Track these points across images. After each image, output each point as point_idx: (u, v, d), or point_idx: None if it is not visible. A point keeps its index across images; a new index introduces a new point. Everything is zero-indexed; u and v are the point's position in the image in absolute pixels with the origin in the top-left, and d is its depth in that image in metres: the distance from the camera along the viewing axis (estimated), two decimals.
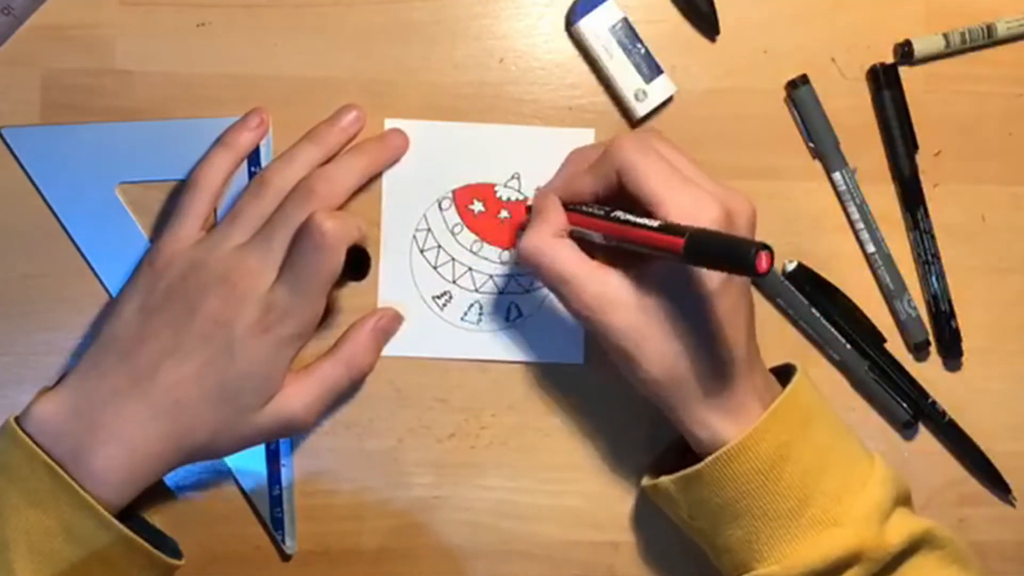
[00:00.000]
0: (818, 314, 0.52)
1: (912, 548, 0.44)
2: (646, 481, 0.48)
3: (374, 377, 0.51)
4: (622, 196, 0.45)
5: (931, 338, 0.53)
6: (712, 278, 0.43)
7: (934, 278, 0.52)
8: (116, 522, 0.43)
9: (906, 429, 0.53)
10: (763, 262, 0.36)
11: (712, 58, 0.52)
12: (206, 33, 0.50)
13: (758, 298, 0.52)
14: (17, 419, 0.44)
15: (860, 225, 0.52)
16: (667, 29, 0.51)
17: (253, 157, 0.50)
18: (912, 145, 0.52)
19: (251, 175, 0.50)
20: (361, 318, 0.50)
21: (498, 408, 0.52)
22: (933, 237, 0.52)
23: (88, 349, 0.46)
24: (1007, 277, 0.54)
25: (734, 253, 0.37)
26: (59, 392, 0.45)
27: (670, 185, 0.43)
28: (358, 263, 0.47)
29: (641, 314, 0.44)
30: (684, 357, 0.44)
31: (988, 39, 0.52)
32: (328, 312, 0.48)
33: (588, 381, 0.52)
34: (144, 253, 0.49)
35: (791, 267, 0.52)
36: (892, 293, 0.52)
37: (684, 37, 0.52)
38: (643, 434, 0.52)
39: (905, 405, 0.52)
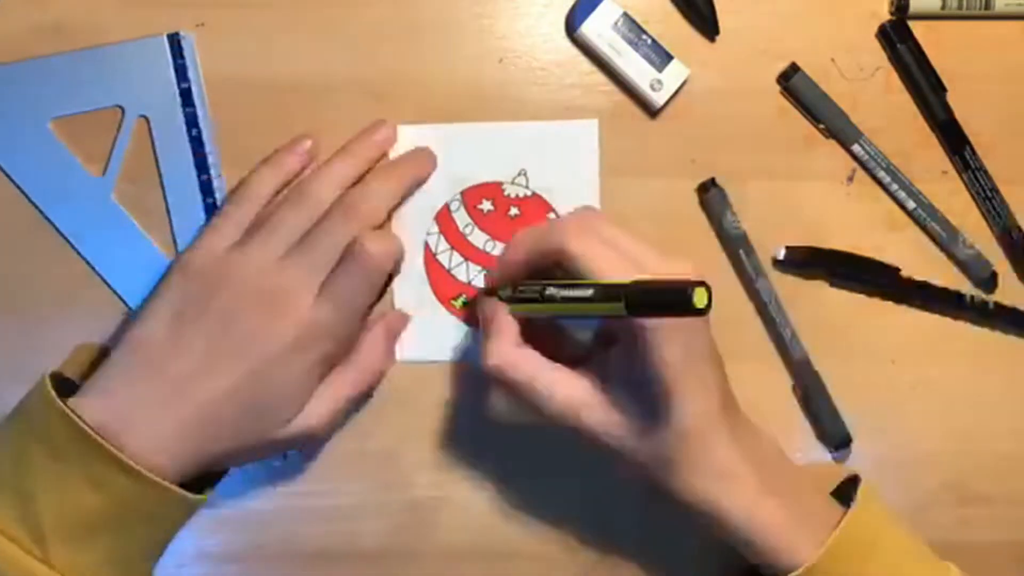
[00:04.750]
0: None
1: None
2: None
3: None
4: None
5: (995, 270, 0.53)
6: (670, 350, 0.42)
7: (999, 210, 0.53)
8: (140, 468, 0.42)
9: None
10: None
11: (712, 58, 0.52)
12: (206, 33, 0.50)
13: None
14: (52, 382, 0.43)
15: (894, 187, 0.52)
16: (666, 29, 0.51)
17: (200, 163, 0.50)
18: (940, 88, 0.52)
19: (194, 154, 0.50)
20: (367, 324, 0.50)
21: (498, 408, 0.52)
22: (987, 172, 0.52)
23: (116, 350, 0.45)
24: None
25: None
26: (86, 396, 0.44)
27: (611, 269, 0.42)
28: None
29: (610, 408, 0.44)
30: (660, 436, 0.43)
31: (984, 11, 0.52)
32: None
33: None
34: (176, 257, 0.49)
35: (781, 255, 0.52)
36: (946, 240, 0.53)
37: (683, 37, 0.52)
38: None
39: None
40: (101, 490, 0.42)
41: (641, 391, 0.43)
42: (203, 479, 0.46)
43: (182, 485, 0.44)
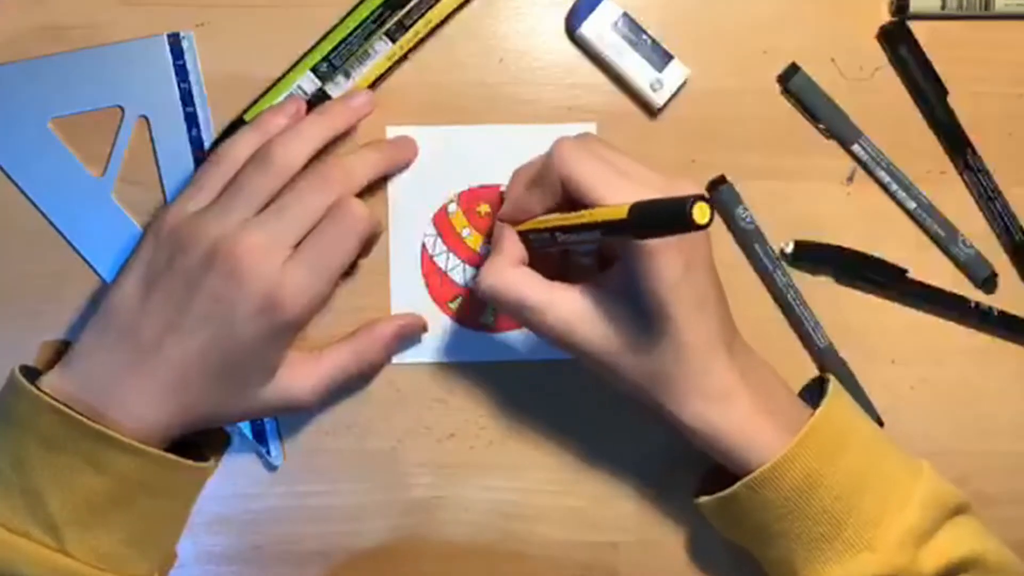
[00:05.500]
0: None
1: (950, 573, 0.44)
2: (697, 500, 0.48)
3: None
4: (572, 203, 0.44)
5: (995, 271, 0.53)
6: (670, 269, 0.42)
7: (1002, 211, 0.53)
8: (138, 444, 0.42)
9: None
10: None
11: (712, 58, 0.52)
12: (206, 33, 0.50)
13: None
14: (23, 372, 0.43)
15: (894, 187, 0.52)
16: (666, 29, 0.51)
17: (195, 138, 0.50)
18: (941, 89, 0.52)
19: (194, 154, 0.50)
20: (389, 317, 0.50)
21: (498, 408, 0.52)
22: (988, 173, 0.52)
23: (91, 320, 0.45)
24: None
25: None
26: (65, 368, 0.44)
27: (610, 186, 0.42)
28: None
29: (607, 325, 0.44)
30: (657, 354, 0.43)
31: (984, 11, 0.52)
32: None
33: (588, 380, 0.51)
34: (150, 220, 0.49)
35: (789, 249, 0.52)
36: (945, 240, 0.53)
37: (683, 37, 0.52)
38: (644, 433, 0.52)
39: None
40: (101, 470, 0.42)
41: (639, 308, 0.43)
42: (208, 446, 0.47)
43: (185, 454, 0.44)
